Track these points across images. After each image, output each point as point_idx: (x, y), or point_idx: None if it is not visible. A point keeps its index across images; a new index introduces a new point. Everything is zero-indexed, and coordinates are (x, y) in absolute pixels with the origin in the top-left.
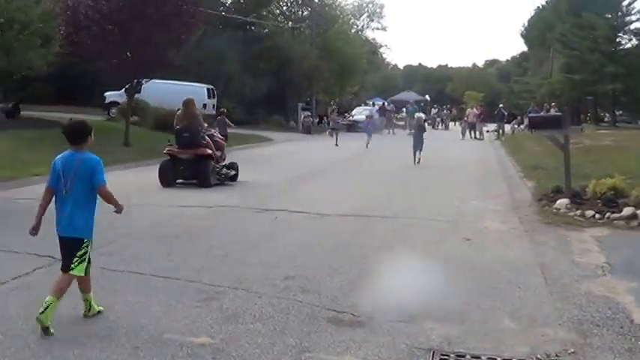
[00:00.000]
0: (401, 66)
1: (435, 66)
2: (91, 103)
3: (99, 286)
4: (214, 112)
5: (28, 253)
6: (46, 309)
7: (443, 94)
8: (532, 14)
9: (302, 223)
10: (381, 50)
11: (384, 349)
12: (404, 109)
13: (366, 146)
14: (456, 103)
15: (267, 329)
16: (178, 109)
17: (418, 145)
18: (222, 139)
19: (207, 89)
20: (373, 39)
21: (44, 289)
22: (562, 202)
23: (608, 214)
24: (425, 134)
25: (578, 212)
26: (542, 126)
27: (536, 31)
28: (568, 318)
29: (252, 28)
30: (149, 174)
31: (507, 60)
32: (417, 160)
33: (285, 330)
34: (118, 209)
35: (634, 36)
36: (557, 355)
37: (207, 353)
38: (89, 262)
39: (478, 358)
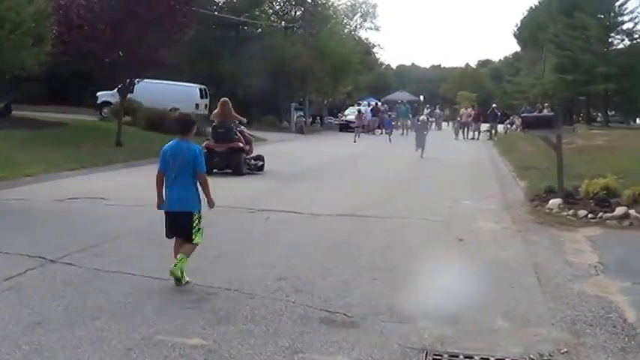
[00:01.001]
0: (394, 66)
1: (428, 66)
2: (84, 103)
3: (92, 287)
4: (207, 112)
5: (20, 254)
6: (177, 263)
7: (436, 94)
8: (525, 14)
9: (295, 223)
10: (374, 50)
11: (377, 350)
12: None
13: (389, 141)
14: (449, 104)
15: (259, 330)
16: (171, 109)
17: (421, 142)
18: (250, 135)
19: (200, 89)
20: (366, 39)
21: (36, 290)
22: (555, 202)
23: (600, 213)
24: (426, 133)
25: (571, 212)
26: (535, 126)
27: (528, 32)
28: (561, 318)
29: (245, 27)
30: (142, 174)
31: (500, 60)
32: (421, 155)
33: (277, 331)
34: (210, 203)
35: (626, 36)
36: (550, 355)
37: (199, 354)
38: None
39: (471, 358)
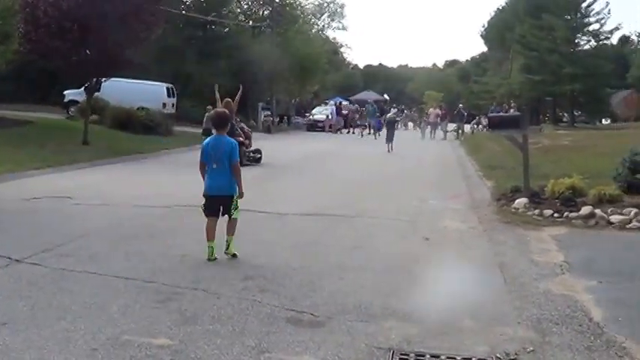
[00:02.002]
0: (361, 66)
1: (395, 66)
2: (51, 102)
3: (57, 287)
4: (174, 111)
5: None
6: (228, 245)
7: (403, 93)
8: (492, 15)
9: (261, 222)
10: (342, 50)
11: (344, 349)
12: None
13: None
14: (416, 104)
15: (225, 330)
16: (138, 108)
17: (390, 137)
18: (249, 130)
19: (167, 88)
20: (334, 39)
21: (1, 290)
22: (521, 201)
23: (566, 213)
24: (396, 129)
25: (537, 211)
26: (501, 126)
27: (495, 32)
28: (527, 317)
29: (213, 27)
30: (108, 173)
31: (467, 60)
32: (390, 149)
33: (244, 330)
34: (240, 192)
35: (592, 37)
36: (516, 354)
37: (165, 355)
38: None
39: (437, 357)
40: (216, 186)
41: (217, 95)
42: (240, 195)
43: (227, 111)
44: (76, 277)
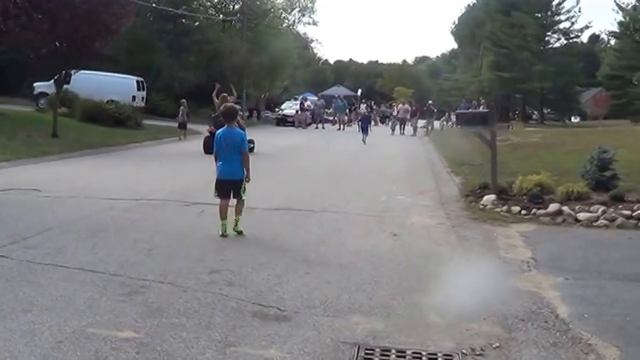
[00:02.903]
0: (332, 61)
1: (365, 62)
2: (20, 94)
3: (24, 280)
4: (143, 105)
5: None
6: (236, 223)
7: (373, 89)
8: (462, 12)
9: (229, 216)
10: (312, 45)
11: (309, 344)
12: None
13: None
14: (385, 99)
15: (192, 323)
16: (108, 101)
17: (365, 131)
18: (244, 123)
19: (137, 81)
20: (304, 34)
21: None
22: (489, 198)
23: (534, 210)
24: (370, 124)
25: (505, 208)
26: (470, 122)
27: (466, 29)
28: (493, 313)
29: (183, 20)
30: (77, 166)
31: (437, 57)
32: (364, 141)
33: (210, 324)
34: (248, 176)
35: (563, 35)
36: (482, 350)
37: (131, 347)
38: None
39: (403, 352)
40: (227, 171)
41: (214, 93)
42: (248, 179)
43: (235, 106)
44: (42, 269)
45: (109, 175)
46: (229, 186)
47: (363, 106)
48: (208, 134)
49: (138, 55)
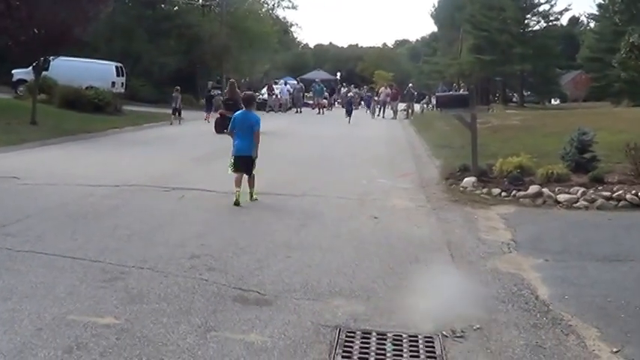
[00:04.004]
0: (312, 45)
1: (345, 45)
2: None
3: (3, 267)
4: (123, 91)
5: None
6: (251, 195)
7: (353, 73)
8: None
9: (209, 201)
10: (292, 29)
11: (290, 327)
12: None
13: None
14: (365, 83)
15: (172, 309)
16: (87, 87)
17: (349, 112)
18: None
19: (116, 67)
20: (284, 18)
21: None
22: (469, 180)
23: (514, 192)
24: (353, 106)
25: (485, 190)
26: (449, 105)
27: (446, 12)
28: (474, 294)
29: (162, 5)
30: (56, 152)
31: (417, 40)
32: (349, 121)
33: (190, 309)
34: (256, 152)
35: (542, 18)
36: (462, 332)
37: (111, 334)
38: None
39: (384, 335)
40: (241, 148)
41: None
42: (255, 154)
43: (253, 93)
44: (22, 256)
45: (89, 161)
46: (242, 161)
47: (344, 90)
48: (219, 116)
49: (117, 41)
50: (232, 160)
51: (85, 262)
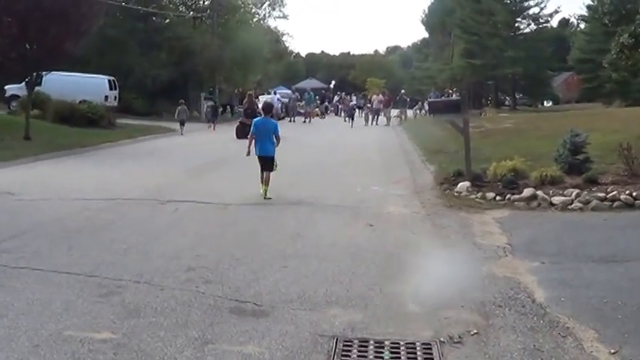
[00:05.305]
0: (303, 54)
1: (337, 53)
2: None
3: None
4: (116, 104)
5: None
6: (265, 192)
7: (345, 81)
8: (432, 1)
9: (204, 213)
10: (284, 39)
11: (288, 338)
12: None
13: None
14: (358, 90)
15: (169, 322)
16: (80, 101)
17: (350, 117)
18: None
19: (109, 81)
20: (275, 27)
21: None
22: (463, 185)
23: (508, 195)
24: (354, 112)
25: (479, 195)
26: (442, 111)
27: (436, 18)
28: (470, 300)
29: (154, 18)
30: (50, 168)
31: (409, 46)
32: (351, 125)
33: (187, 322)
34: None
35: (532, 21)
36: (460, 337)
37: (108, 349)
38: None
39: (382, 343)
40: (262, 149)
41: (246, 99)
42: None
43: (271, 102)
44: (17, 273)
45: (84, 175)
46: (263, 161)
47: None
48: (239, 124)
49: (109, 54)
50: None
51: (81, 277)
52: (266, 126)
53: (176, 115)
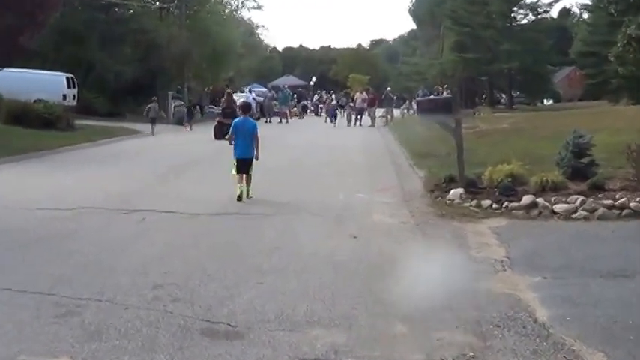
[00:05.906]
0: (280, 48)
1: (317, 47)
2: None
3: None
4: (75, 103)
5: None
6: (248, 192)
7: (326, 77)
8: None
9: (173, 223)
10: (258, 31)
11: None
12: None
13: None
14: (340, 87)
15: (134, 345)
16: (35, 101)
17: (332, 116)
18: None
19: (67, 78)
20: (249, 19)
21: None
22: (456, 192)
23: (506, 203)
24: (336, 111)
25: (474, 203)
26: (431, 111)
27: (425, 8)
28: (465, 319)
29: (116, 9)
30: (3, 173)
31: (395, 40)
32: (334, 125)
33: (154, 346)
34: (257, 155)
35: (530, 10)
36: None
37: None
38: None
39: None
40: (243, 152)
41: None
42: (256, 158)
43: (249, 102)
44: None
45: (39, 182)
46: (244, 163)
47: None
48: (216, 123)
49: (67, 48)
50: (235, 163)
51: (36, 296)
52: (245, 126)
53: (145, 112)
